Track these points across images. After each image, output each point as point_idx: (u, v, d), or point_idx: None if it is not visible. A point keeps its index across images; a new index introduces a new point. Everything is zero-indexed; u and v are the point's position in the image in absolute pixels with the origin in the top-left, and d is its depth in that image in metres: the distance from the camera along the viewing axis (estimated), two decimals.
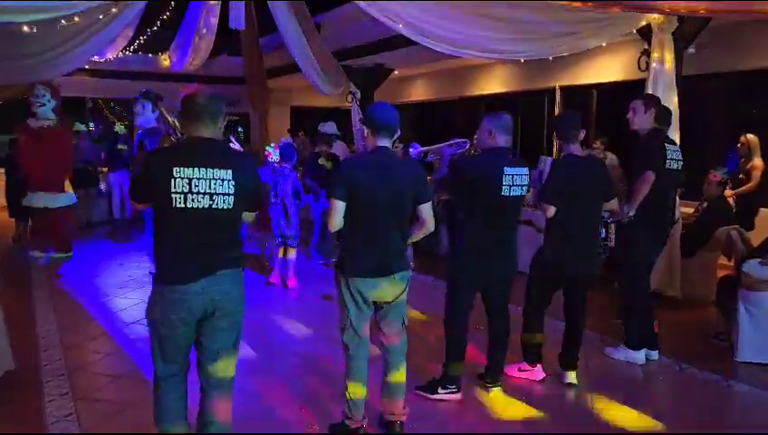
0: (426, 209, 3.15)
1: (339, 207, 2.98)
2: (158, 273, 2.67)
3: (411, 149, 5.61)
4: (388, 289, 3.11)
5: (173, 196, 2.51)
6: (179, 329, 2.63)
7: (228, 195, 2.59)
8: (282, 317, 5.56)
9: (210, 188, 2.55)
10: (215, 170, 2.56)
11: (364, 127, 3.19)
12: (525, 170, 3.68)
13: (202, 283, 2.58)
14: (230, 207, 2.60)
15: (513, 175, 3.58)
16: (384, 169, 3.02)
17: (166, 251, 2.65)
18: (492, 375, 3.90)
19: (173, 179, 2.50)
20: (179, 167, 2.52)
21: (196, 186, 2.52)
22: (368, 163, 3.07)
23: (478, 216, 3.58)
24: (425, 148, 5.10)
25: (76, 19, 6.23)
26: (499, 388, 3.86)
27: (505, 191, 3.56)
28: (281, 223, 6.27)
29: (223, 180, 2.57)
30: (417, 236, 3.24)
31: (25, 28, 5.93)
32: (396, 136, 3.15)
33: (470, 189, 3.59)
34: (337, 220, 3.00)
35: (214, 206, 2.56)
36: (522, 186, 3.64)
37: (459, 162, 3.84)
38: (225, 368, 2.77)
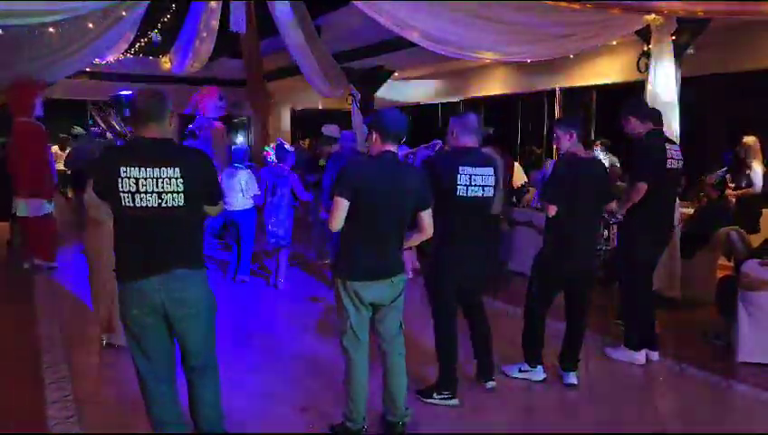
0: (426, 216, 3.17)
1: (342, 205, 2.99)
2: (116, 270, 2.73)
3: (398, 151, 5.60)
4: (386, 292, 3.13)
5: (121, 195, 2.57)
6: (146, 324, 2.69)
7: (177, 193, 2.62)
8: (281, 319, 5.57)
9: (158, 187, 2.59)
10: (162, 169, 2.60)
11: (367, 129, 3.20)
12: (489, 170, 3.62)
13: (157, 280, 2.64)
14: (181, 204, 2.64)
15: (471, 175, 3.54)
16: (389, 174, 3.04)
17: (122, 249, 2.71)
18: (483, 372, 3.90)
19: (120, 179, 2.55)
20: (126, 167, 2.57)
21: (143, 185, 2.57)
22: (374, 167, 3.08)
23: (443, 215, 3.57)
24: (410, 150, 5.13)
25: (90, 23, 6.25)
26: (493, 383, 3.86)
27: (461, 191, 3.53)
28: (272, 222, 6.26)
29: (171, 179, 2.60)
30: (415, 241, 3.25)
31: (27, 31, 5.96)
32: (402, 141, 3.17)
33: (433, 189, 3.60)
34: (339, 219, 3.01)
35: (163, 204, 2.60)
36: (483, 186, 3.58)
37: (425, 162, 3.84)
38: (202, 360, 2.85)
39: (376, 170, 3.05)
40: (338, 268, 3.16)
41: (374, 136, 3.14)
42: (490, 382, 3.89)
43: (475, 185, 3.56)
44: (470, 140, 3.65)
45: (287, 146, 6.70)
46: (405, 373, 3.30)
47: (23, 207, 7.23)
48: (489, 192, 3.63)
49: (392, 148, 3.12)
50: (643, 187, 4.23)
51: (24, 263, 7.35)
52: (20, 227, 7.61)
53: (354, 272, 3.08)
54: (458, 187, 3.52)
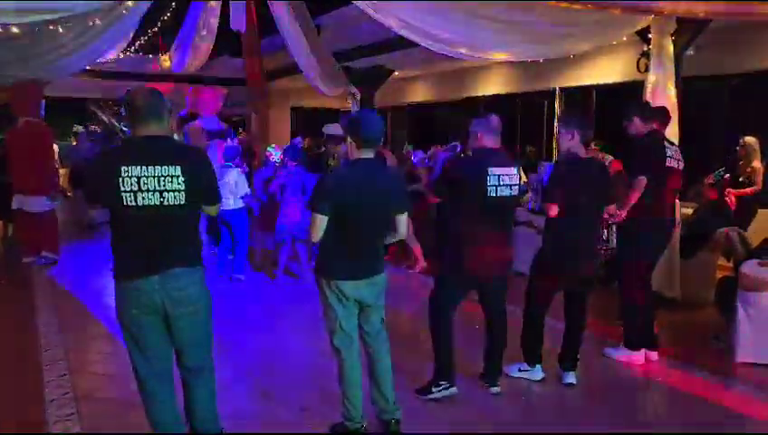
0: (402, 220, 3.21)
1: (321, 221, 2.99)
2: (115, 270, 2.72)
3: (413, 156, 5.62)
4: (368, 291, 3.14)
5: (123, 195, 2.55)
6: (145, 323, 2.69)
7: (179, 191, 2.62)
8: (280, 318, 5.57)
9: (160, 186, 2.59)
10: (163, 167, 2.60)
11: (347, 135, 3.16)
12: (514, 170, 3.65)
13: (156, 279, 2.64)
14: (182, 202, 2.64)
15: (499, 175, 3.57)
16: (369, 183, 3.03)
17: (120, 248, 2.71)
18: (491, 376, 3.91)
19: (121, 179, 2.54)
20: (126, 166, 2.56)
21: (145, 184, 2.56)
22: (353, 176, 3.05)
23: (464, 216, 3.56)
24: (425, 155, 5.15)
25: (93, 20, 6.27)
26: (498, 388, 3.88)
27: (491, 192, 3.55)
28: (302, 220, 6.28)
29: (172, 177, 2.61)
30: (389, 240, 3.29)
31: (17, 30, 5.95)
32: (378, 146, 3.19)
33: (456, 190, 3.60)
34: (319, 233, 3.02)
35: (165, 202, 2.60)
36: (511, 186, 3.61)
37: (448, 164, 3.86)
38: (199, 360, 2.86)
39: (353, 180, 3.02)
40: (320, 269, 3.17)
41: (350, 143, 3.10)
42: (494, 387, 3.88)
43: (504, 185, 3.58)
44: (493, 141, 3.68)
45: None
46: (390, 366, 3.32)
47: (26, 203, 7.36)
48: (516, 191, 3.66)
49: (370, 154, 3.09)
50: (643, 180, 4.23)
51: (24, 258, 7.42)
52: (23, 223, 7.72)
53: (336, 272, 3.09)
54: (489, 187, 3.54)
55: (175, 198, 2.62)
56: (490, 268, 3.72)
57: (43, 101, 7.56)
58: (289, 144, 6.84)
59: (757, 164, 6.50)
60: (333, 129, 7.43)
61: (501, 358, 3.91)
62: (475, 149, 3.73)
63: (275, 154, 6.99)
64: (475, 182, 3.54)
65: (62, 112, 13.21)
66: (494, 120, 3.71)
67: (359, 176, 3.04)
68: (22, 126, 7.35)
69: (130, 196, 2.56)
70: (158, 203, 2.59)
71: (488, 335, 3.91)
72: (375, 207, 3.05)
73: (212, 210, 2.96)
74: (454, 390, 3.73)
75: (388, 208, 3.13)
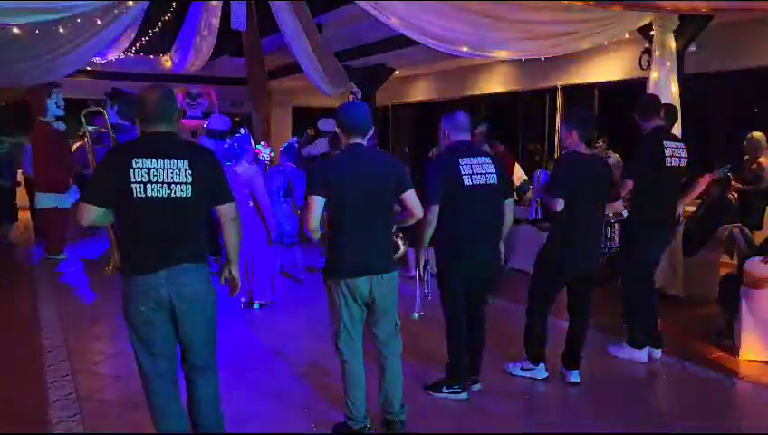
0: (410, 196, 3.17)
1: (316, 203, 2.99)
2: (122, 267, 2.74)
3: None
4: (376, 290, 3.10)
5: (133, 186, 2.58)
6: (153, 320, 2.69)
7: (185, 184, 2.65)
8: (281, 317, 5.56)
9: (168, 178, 2.62)
10: (171, 160, 2.64)
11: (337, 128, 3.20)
12: (487, 159, 3.67)
13: (164, 273, 2.65)
14: (188, 195, 2.66)
15: (471, 164, 3.59)
16: (361, 166, 3.05)
17: (128, 244, 2.73)
18: (472, 373, 3.85)
19: (132, 170, 2.58)
20: (138, 158, 2.60)
21: (154, 175, 2.60)
22: (344, 161, 3.09)
23: (453, 211, 3.55)
24: None
25: (78, 20, 6.26)
26: (479, 385, 3.84)
27: (467, 180, 3.56)
28: (290, 221, 6.30)
29: (180, 169, 2.65)
30: (406, 222, 3.27)
31: (17, 30, 5.97)
32: (369, 133, 3.18)
33: (440, 187, 3.59)
34: (315, 218, 3.01)
35: (172, 195, 2.63)
36: (485, 174, 3.61)
37: (427, 163, 3.88)
38: (204, 358, 2.86)
39: (346, 163, 3.07)
40: (327, 268, 3.17)
41: (339, 132, 3.17)
42: (476, 385, 3.85)
43: (478, 173, 3.59)
44: (462, 137, 3.71)
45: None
46: (401, 373, 3.29)
47: (37, 200, 7.89)
48: (493, 179, 3.64)
49: (360, 140, 3.12)
50: (629, 183, 4.27)
51: (46, 255, 7.67)
52: (36, 220, 8.50)
53: (342, 269, 3.07)
54: (463, 176, 3.54)
55: (182, 190, 2.65)
56: (477, 265, 3.70)
57: (54, 100, 7.74)
58: (288, 144, 6.77)
59: (764, 160, 6.44)
60: (328, 124, 7.43)
61: (481, 355, 3.87)
62: (445, 147, 3.77)
63: (265, 152, 6.95)
64: (450, 174, 3.55)
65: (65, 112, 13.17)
66: (461, 116, 3.74)
67: (350, 158, 3.08)
68: (36, 126, 7.82)
69: (140, 187, 2.58)
70: (165, 195, 2.62)
71: (468, 335, 3.81)
72: (370, 188, 3.02)
73: (227, 210, 2.83)
74: (464, 396, 3.73)
75: (387, 189, 3.09)
